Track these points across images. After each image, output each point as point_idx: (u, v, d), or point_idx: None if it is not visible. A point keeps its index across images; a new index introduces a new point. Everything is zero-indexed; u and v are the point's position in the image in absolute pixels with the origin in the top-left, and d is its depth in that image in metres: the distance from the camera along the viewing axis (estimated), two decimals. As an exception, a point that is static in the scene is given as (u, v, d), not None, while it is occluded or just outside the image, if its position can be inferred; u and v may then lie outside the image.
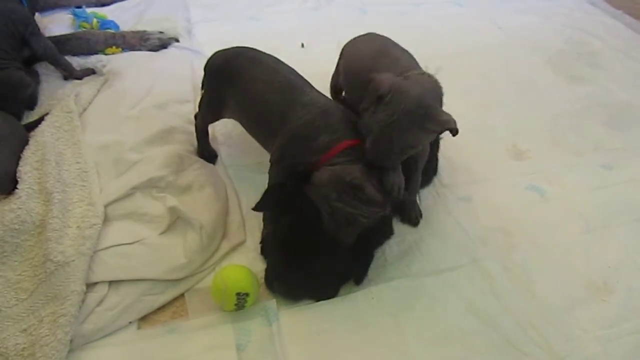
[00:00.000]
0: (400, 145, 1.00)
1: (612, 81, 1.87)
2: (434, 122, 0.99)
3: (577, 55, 2.01)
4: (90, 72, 1.64)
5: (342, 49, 1.37)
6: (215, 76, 1.27)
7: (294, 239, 1.10)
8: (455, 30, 2.10)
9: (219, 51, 1.30)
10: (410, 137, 1.00)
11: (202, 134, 1.40)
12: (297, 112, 1.11)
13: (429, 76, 1.08)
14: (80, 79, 1.61)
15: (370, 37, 1.33)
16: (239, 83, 1.21)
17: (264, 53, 1.27)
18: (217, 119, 1.36)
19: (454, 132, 1.00)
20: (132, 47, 1.76)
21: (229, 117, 1.32)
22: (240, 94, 1.22)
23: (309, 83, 1.21)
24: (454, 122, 1.00)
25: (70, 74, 1.61)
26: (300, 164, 1.08)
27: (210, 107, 1.32)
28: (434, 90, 1.05)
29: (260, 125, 1.22)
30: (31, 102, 1.52)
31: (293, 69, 1.23)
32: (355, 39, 1.36)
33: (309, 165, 1.07)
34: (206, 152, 1.41)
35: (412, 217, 1.28)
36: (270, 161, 1.18)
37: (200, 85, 1.34)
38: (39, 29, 1.58)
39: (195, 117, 1.39)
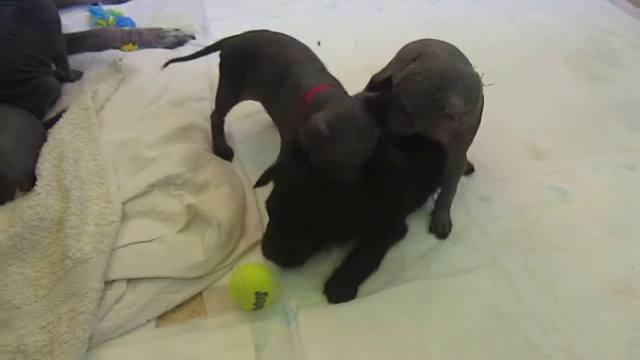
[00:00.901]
0: (412, 102, 1.00)
1: (632, 80, 1.85)
2: (441, 96, 0.97)
3: (597, 53, 1.99)
4: (80, 74, 1.63)
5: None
6: (236, 54, 1.30)
7: (285, 209, 1.09)
8: (472, 27, 2.09)
9: (232, 36, 1.33)
10: (421, 99, 0.99)
11: (218, 130, 1.41)
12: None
13: (474, 72, 1.07)
14: (72, 81, 1.60)
15: (429, 40, 1.29)
16: (258, 59, 1.24)
17: (280, 33, 1.30)
18: (237, 101, 1.36)
19: (452, 118, 0.99)
20: (148, 45, 1.76)
21: (248, 97, 1.34)
22: (259, 70, 1.24)
23: (316, 58, 1.24)
24: (459, 113, 0.98)
25: (67, 77, 1.60)
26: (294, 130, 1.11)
27: (230, 88, 1.33)
28: (467, 79, 1.03)
29: (274, 102, 1.25)
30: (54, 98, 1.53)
31: (305, 47, 1.26)
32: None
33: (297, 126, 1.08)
34: (222, 150, 1.41)
35: (440, 230, 1.26)
36: None
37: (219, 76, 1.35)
38: (60, 27, 1.57)
39: (212, 115, 1.40)
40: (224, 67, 1.32)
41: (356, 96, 1.11)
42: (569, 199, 1.37)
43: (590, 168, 1.47)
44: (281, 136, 1.26)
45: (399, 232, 1.24)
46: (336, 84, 1.17)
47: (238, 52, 1.29)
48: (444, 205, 1.26)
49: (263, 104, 1.32)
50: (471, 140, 1.17)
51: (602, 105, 1.72)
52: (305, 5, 2.20)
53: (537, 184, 1.41)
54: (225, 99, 1.35)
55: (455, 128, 1.08)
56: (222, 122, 1.40)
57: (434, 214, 1.27)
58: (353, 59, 1.82)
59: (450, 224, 1.27)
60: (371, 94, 1.09)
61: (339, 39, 1.95)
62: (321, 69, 1.22)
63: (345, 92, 1.16)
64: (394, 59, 1.29)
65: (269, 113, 1.33)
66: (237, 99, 1.35)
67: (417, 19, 2.12)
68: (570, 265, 1.21)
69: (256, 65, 1.23)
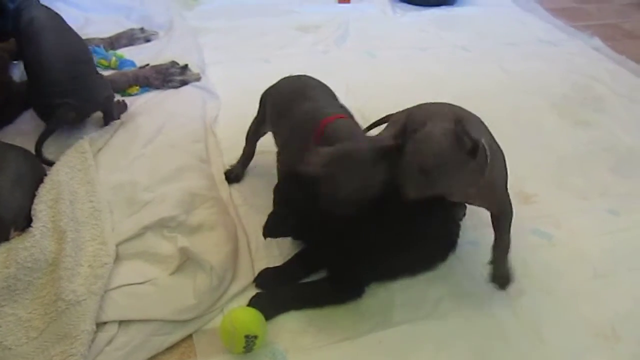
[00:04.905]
0: (433, 158, 0.99)
1: (617, 126, 1.90)
2: (466, 137, 0.99)
3: (583, 100, 2.04)
4: None
5: None
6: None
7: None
8: (461, 74, 2.15)
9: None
10: (443, 149, 0.99)
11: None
12: None
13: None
14: None
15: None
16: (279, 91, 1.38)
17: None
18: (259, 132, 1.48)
19: (481, 167, 1.00)
20: (155, 88, 1.82)
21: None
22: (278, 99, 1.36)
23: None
24: (485, 154, 0.99)
25: None
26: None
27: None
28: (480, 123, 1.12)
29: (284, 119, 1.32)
30: None
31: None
32: None
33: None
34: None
35: (497, 278, 1.25)
36: None
37: None
38: None
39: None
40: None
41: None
42: (554, 243, 1.39)
43: (576, 213, 1.50)
44: (279, 155, 1.31)
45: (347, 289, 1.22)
46: (349, 115, 1.23)
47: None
48: (499, 257, 1.24)
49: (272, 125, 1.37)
50: (494, 194, 1.19)
51: (588, 151, 1.76)
52: (299, 51, 2.26)
53: (524, 228, 1.43)
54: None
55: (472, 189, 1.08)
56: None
57: (492, 264, 1.25)
58: (344, 103, 1.86)
59: (510, 276, 1.25)
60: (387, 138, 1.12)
61: (330, 83, 1.95)
62: (335, 99, 1.32)
63: (357, 125, 1.22)
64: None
65: (274, 132, 1.37)
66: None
67: (408, 65, 2.18)
68: (557, 309, 1.22)
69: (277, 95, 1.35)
